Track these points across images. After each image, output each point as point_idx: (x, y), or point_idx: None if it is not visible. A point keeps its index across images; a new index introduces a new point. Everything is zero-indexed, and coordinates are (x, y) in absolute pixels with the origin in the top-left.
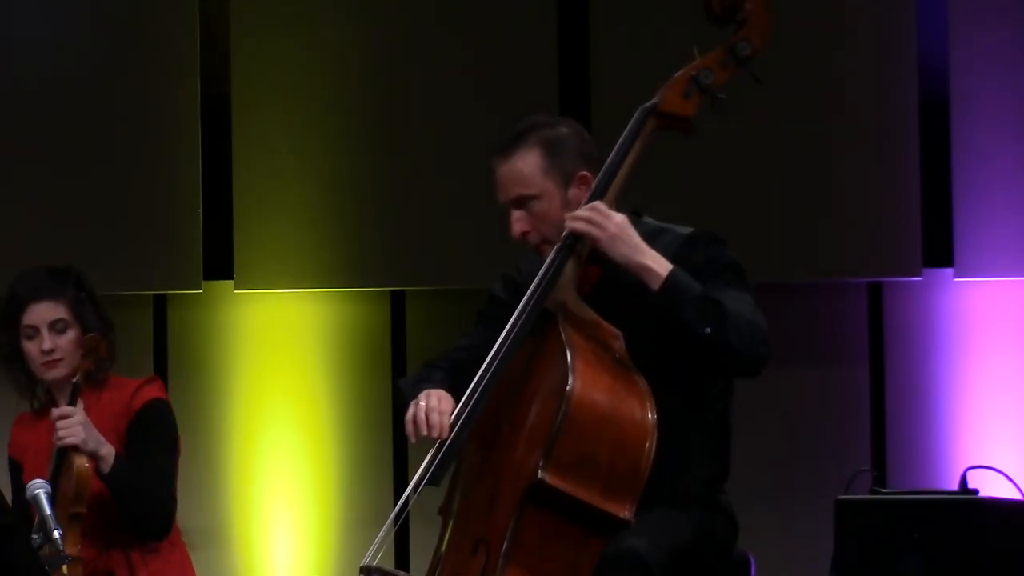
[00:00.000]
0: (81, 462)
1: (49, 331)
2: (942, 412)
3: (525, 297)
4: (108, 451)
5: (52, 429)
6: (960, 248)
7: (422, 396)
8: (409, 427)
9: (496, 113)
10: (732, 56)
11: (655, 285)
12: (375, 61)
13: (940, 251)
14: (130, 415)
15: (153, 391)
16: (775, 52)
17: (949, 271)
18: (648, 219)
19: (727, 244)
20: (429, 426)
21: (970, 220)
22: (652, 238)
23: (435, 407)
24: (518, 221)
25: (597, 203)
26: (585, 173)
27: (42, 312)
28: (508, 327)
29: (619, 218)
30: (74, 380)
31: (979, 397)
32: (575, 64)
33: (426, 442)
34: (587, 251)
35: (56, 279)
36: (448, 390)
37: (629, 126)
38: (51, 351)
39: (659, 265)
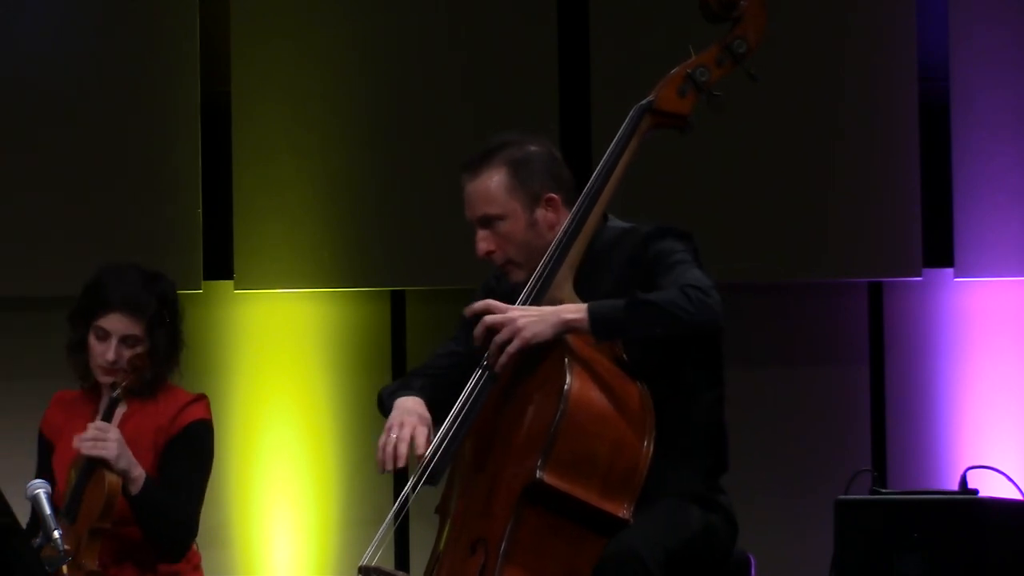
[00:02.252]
0: (113, 478)
1: (119, 343)
2: (942, 412)
3: (532, 279)
4: (139, 473)
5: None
6: (960, 248)
7: (395, 424)
8: (378, 456)
9: (496, 113)
10: (728, 53)
11: (587, 331)
12: (374, 62)
13: (940, 251)
14: (172, 431)
15: (199, 411)
16: (775, 52)
17: (949, 271)
18: (613, 220)
19: (674, 234)
20: (396, 458)
21: (970, 220)
22: (618, 240)
23: (404, 438)
24: (483, 240)
25: (492, 316)
26: (552, 195)
27: (120, 323)
28: None
29: (513, 312)
30: (113, 395)
31: (979, 397)
32: (575, 65)
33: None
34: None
35: (146, 291)
36: (428, 399)
37: (624, 124)
38: (114, 362)
39: (575, 314)
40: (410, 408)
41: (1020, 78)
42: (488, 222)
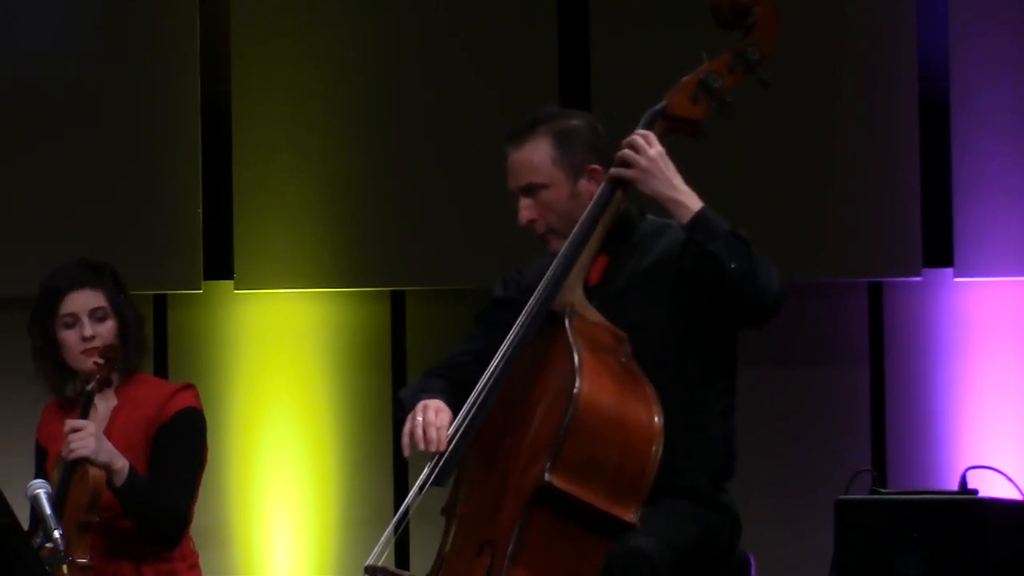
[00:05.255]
0: (96, 472)
1: (89, 319)
2: (942, 412)
3: (542, 282)
4: (122, 464)
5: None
6: (960, 248)
7: (419, 410)
8: (405, 439)
9: (496, 113)
10: (741, 60)
11: (684, 219)
12: (375, 61)
13: (940, 251)
14: (162, 420)
15: (188, 399)
16: (775, 51)
17: (949, 271)
18: (651, 216)
19: None
20: (427, 441)
21: (970, 220)
22: (659, 232)
23: (432, 421)
24: (526, 208)
25: (634, 138)
26: (595, 167)
27: (82, 300)
28: (515, 327)
29: (653, 151)
30: (88, 388)
31: (979, 397)
32: (575, 64)
33: (425, 452)
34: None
35: (94, 270)
36: (448, 399)
37: (638, 128)
38: (92, 337)
39: (691, 201)
40: (434, 403)
41: (1020, 78)
42: (531, 191)
